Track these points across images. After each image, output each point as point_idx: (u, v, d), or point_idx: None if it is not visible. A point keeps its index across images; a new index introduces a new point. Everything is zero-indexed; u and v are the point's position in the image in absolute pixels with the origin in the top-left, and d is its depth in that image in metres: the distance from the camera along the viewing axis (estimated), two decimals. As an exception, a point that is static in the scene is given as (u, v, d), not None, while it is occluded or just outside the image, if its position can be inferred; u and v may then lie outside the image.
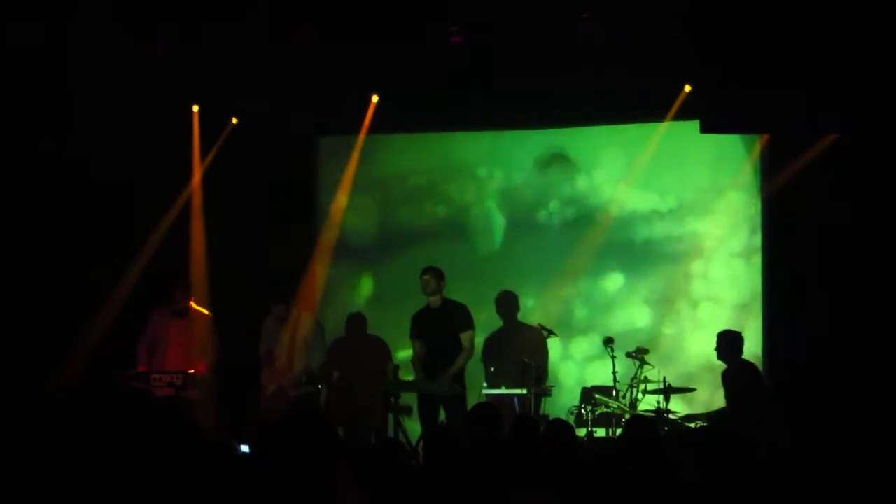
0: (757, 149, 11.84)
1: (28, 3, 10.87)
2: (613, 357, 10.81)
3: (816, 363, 10.95)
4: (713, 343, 10.77)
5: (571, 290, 12.31)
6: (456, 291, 11.30)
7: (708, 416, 10.61)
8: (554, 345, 11.56)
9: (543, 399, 11.08)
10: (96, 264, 11.79)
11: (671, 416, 10.48)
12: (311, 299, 12.55)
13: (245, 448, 5.51)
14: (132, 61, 11.36)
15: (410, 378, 11.29)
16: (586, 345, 12.08)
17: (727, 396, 10.64)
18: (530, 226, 12.57)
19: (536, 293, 12.23)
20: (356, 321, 12.30)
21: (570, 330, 12.17)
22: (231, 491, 4.76)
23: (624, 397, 10.71)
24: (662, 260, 12.12)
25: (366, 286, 12.91)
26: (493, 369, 11.08)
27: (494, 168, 12.72)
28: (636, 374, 10.76)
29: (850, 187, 11.04)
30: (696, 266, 11.98)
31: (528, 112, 12.16)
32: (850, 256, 11.04)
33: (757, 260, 11.85)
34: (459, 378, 10.90)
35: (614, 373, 10.77)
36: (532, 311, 12.00)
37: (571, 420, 10.31)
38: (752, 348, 11.12)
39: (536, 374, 10.79)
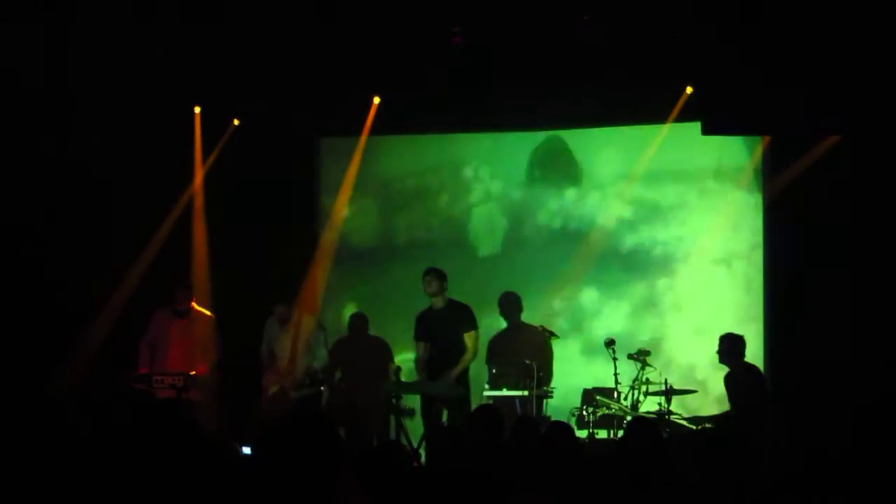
0: (759, 150, 11.83)
1: (28, 4, 10.87)
2: (615, 359, 10.80)
3: (817, 364, 10.94)
4: (713, 345, 10.77)
5: (573, 291, 12.30)
6: (457, 293, 11.29)
7: (712, 419, 10.60)
8: (555, 346, 11.54)
9: (546, 400, 11.08)
10: (98, 265, 11.80)
11: (672, 418, 10.48)
12: (313, 300, 12.55)
13: (246, 449, 5.51)
14: (133, 62, 11.35)
15: (413, 379, 11.27)
16: (588, 346, 12.06)
17: (730, 399, 10.63)
18: (532, 227, 12.56)
19: (538, 295, 12.21)
20: (358, 322, 12.30)
21: (571, 331, 12.15)
22: (232, 492, 4.76)
23: (625, 399, 10.70)
24: (664, 261, 12.12)
25: (367, 287, 12.89)
26: (494, 371, 11.07)
27: (496, 170, 12.72)
28: (637, 375, 10.75)
29: (852, 188, 11.04)
30: (698, 267, 11.96)
31: (529, 114, 12.16)
32: (851, 257, 11.04)
33: (758, 261, 11.84)
34: (462, 379, 10.90)
35: (616, 374, 10.76)
36: (534, 312, 11.98)
37: (573, 422, 10.30)
38: (754, 349, 11.10)
39: (538, 375, 10.78)
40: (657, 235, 12.16)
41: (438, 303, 11.10)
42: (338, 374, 12.14)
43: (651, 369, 10.75)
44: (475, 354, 11.08)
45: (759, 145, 11.82)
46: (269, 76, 11.73)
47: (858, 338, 10.89)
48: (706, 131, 10.53)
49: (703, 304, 11.92)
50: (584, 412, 10.67)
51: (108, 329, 11.91)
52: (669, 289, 12.05)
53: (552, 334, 11.41)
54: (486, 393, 10.96)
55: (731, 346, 10.63)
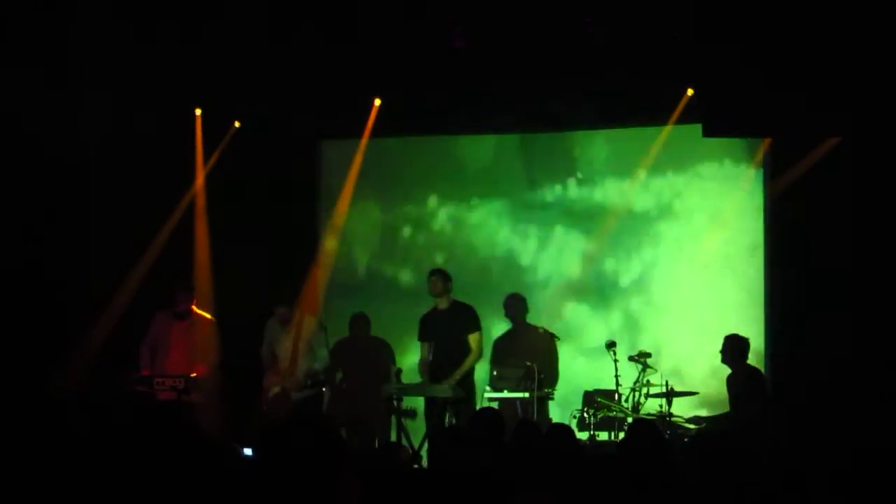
0: (759, 152, 11.83)
1: (29, 4, 10.88)
2: (616, 360, 10.80)
3: (818, 364, 10.94)
4: (715, 346, 10.78)
5: (575, 292, 12.30)
6: (458, 294, 11.30)
7: (713, 419, 10.61)
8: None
9: (548, 402, 11.10)
10: (99, 267, 11.80)
11: (674, 420, 10.48)
12: (314, 301, 12.55)
13: (248, 451, 5.51)
14: (134, 64, 11.36)
15: (416, 379, 11.28)
16: (590, 348, 12.06)
17: (731, 400, 10.63)
18: (533, 228, 12.56)
19: (541, 296, 12.21)
20: (359, 323, 12.30)
21: (571, 332, 12.16)
22: (233, 494, 4.76)
23: (626, 401, 10.70)
24: (665, 262, 12.12)
25: (368, 288, 12.89)
26: (495, 373, 11.08)
27: (497, 171, 12.72)
28: (638, 377, 10.75)
29: (852, 189, 11.04)
30: (699, 268, 11.96)
31: (530, 116, 12.16)
32: (852, 258, 11.04)
33: (759, 262, 11.84)
34: (466, 381, 10.90)
35: (616, 376, 10.77)
36: (534, 313, 11.98)
37: (574, 424, 10.31)
38: (754, 350, 11.08)
39: (539, 377, 10.79)
40: (658, 236, 12.16)
41: (442, 303, 11.12)
42: (339, 375, 12.15)
43: (652, 371, 10.76)
44: (480, 356, 11.09)
45: (759, 147, 11.82)
46: (269, 78, 11.73)
47: (859, 339, 10.89)
48: (707, 133, 10.54)
49: (704, 304, 11.91)
50: (585, 414, 10.68)
51: (109, 330, 11.92)
52: (670, 290, 12.05)
53: (553, 336, 11.41)
54: (488, 395, 10.96)
55: (733, 347, 10.63)
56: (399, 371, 11.19)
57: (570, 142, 12.55)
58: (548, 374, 11.21)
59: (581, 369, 12.03)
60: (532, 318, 11.75)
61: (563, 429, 7.35)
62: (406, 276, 12.74)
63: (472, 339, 11.02)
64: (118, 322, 11.94)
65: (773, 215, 11.73)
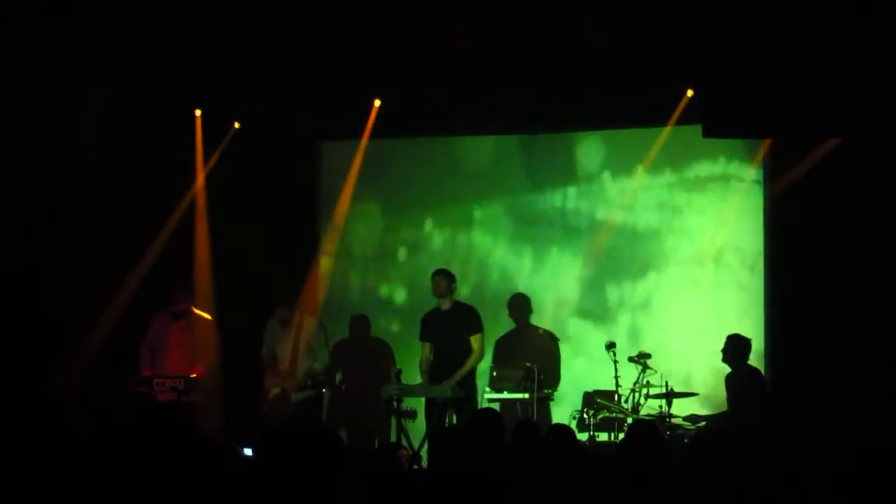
0: (760, 153, 11.83)
1: (29, 4, 10.88)
2: (615, 361, 10.81)
3: (818, 365, 10.94)
4: (714, 346, 10.78)
5: (576, 293, 12.30)
6: (461, 296, 11.30)
7: (709, 418, 10.62)
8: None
9: (549, 403, 11.10)
10: (99, 267, 11.80)
11: (673, 421, 10.49)
12: (314, 302, 12.56)
13: (248, 451, 5.51)
14: (134, 64, 11.36)
15: (417, 379, 11.29)
16: (590, 349, 12.05)
17: (729, 400, 10.64)
18: (534, 230, 12.56)
19: (542, 297, 12.20)
20: (359, 324, 12.31)
21: (574, 333, 12.15)
22: (232, 495, 4.76)
23: (626, 401, 10.70)
24: (666, 263, 12.11)
25: (368, 289, 12.89)
26: (495, 374, 11.08)
27: (497, 172, 12.71)
28: (638, 378, 10.76)
29: (852, 190, 11.04)
30: (699, 269, 11.96)
31: (530, 117, 12.16)
32: (852, 259, 11.04)
33: (759, 263, 11.84)
34: (466, 382, 10.90)
35: (616, 377, 10.77)
36: (536, 314, 11.99)
37: (574, 424, 10.31)
38: (754, 351, 11.07)
39: (539, 378, 10.79)
40: (658, 237, 12.16)
41: (445, 304, 11.13)
42: (339, 376, 12.16)
43: (652, 372, 10.76)
44: (481, 357, 11.10)
45: (759, 148, 11.82)
46: (269, 79, 11.73)
47: (858, 339, 10.89)
48: (707, 134, 10.53)
49: (704, 305, 11.91)
50: (585, 415, 10.68)
51: (109, 331, 11.92)
52: (670, 290, 12.05)
53: (554, 337, 11.42)
54: (487, 395, 10.97)
55: (734, 347, 10.65)
56: (399, 372, 11.19)
57: (570, 143, 12.54)
58: (549, 376, 11.23)
59: (580, 371, 12.03)
60: (535, 320, 11.76)
61: (564, 429, 7.36)
62: (407, 278, 12.73)
63: (474, 340, 11.03)
64: (118, 322, 11.94)
65: (773, 216, 11.73)
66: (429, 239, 12.79)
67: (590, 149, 12.51)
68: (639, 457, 6.33)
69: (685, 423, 10.54)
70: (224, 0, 11.13)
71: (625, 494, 5.71)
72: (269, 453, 4.62)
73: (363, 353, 12.20)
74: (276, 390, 11.34)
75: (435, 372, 11.03)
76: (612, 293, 12.26)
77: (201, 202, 12.52)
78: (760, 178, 11.89)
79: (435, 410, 10.84)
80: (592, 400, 10.86)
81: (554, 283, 12.33)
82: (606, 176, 12.42)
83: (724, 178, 12.03)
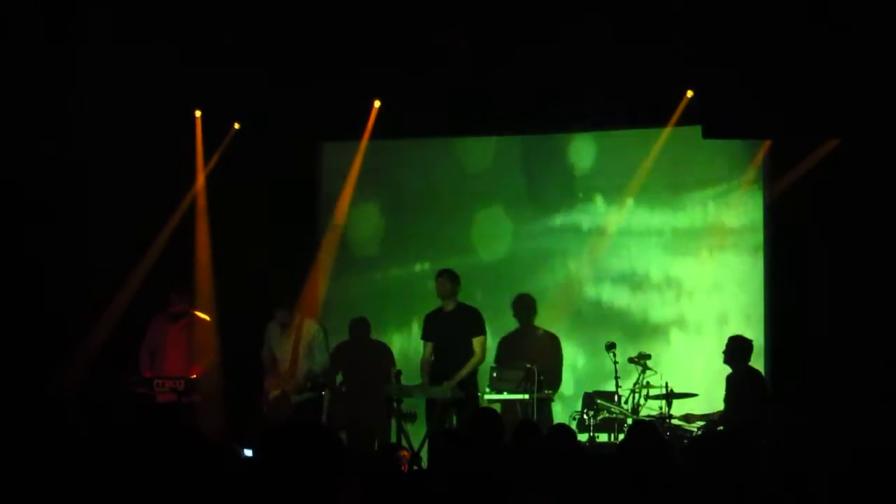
0: (759, 154, 11.83)
1: (29, 4, 10.88)
2: (615, 362, 10.81)
3: (818, 366, 10.94)
4: (714, 347, 10.78)
5: (577, 294, 12.30)
6: (462, 297, 11.31)
7: (707, 418, 10.63)
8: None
9: (550, 404, 11.10)
10: (99, 268, 11.80)
11: (673, 421, 10.50)
12: (314, 304, 12.56)
13: (248, 452, 5.51)
14: (134, 65, 11.36)
15: (417, 378, 11.28)
16: (591, 350, 12.05)
17: (729, 400, 10.65)
18: (534, 231, 12.56)
19: (540, 298, 12.20)
20: (360, 326, 12.32)
21: (575, 334, 12.15)
22: (232, 496, 4.76)
23: (626, 402, 10.71)
24: (666, 264, 12.11)
25: (369, 291, 12.89)
26: (495, 374, 11.08)
27: (498, 174, 12.71)
28: (638, 379, 10.77)
29: (852, 191, 11.04)
30: (699, 269, 11.96)
31: (530, 118, 12.16)
32: (852, 260, 11.04)
33: (759, 264, 11.84)
34: (466, 383, 10.90)
35: (616, 378, 10.77)
36: (539, 315, 12.00)
37: (574, 425, 10.31)
38: (754, 352, 11.09)
39: (539, 379, 10.80)
40: (658, 238, 12.15)
41: (449, 305, 11.14)
42: (339, 378, 12.16)
43: (651, 373, 10.77)
44: (482, 360, 11.10)
45: (759, 149, 11.82)
46: (269, 80, 11.73)
47: (858, 339, 10.89)
48: (707, 135, 10.54)
49: (704, 306, 11.91)
50: (585, 416, 10.69)
51: (109, 332, 11.92)
52: (670, 291, 12.04)
53: (555, 337, 11.44)
54: (488, 396, 10.98)
55: (735, 348, 10.67)
56: (399, 373, 11.20)
57: (570, 144, 12.54)
58: (551, 377, 11.23)
59: (580, 372, 12.03)
60: (536, 320, 11.78)
61: (564, 429, 7.36)
62: (408, 279, 12.73)
63: (476, 342, 11.03)
64: (118, 322, 11.94)
65: (773, 217, 11.73)
66: (429, 240, 12.77)
67: (590, 150, 12.51)
68: (639, 457, 6.33)
69: (681, 422, 10.55)
70: (224, 0, 11.13)
71: (625, 495, 5.71)
72: (269, 454, 4.62)
73: (363, 354, 12.21)
74: (276, 392, 11.34)
75: (435, 372, 11.03)
76: (613, 294, 12.25)
77: (201, 203, 12.52)
78: (760, 178, 11.89)
79: (435, 411, 10.84)
80: (592, 401, 10.86)
81: (554, 283, 12.32)
82: (606, 177, 12.42)
83: (724, 179, 12.03)
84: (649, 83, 11.31)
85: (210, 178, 12.57)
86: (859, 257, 11.03)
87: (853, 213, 11.04)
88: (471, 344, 11.00)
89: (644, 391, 10.71)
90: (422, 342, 11.34)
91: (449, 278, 11.15)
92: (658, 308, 12.10)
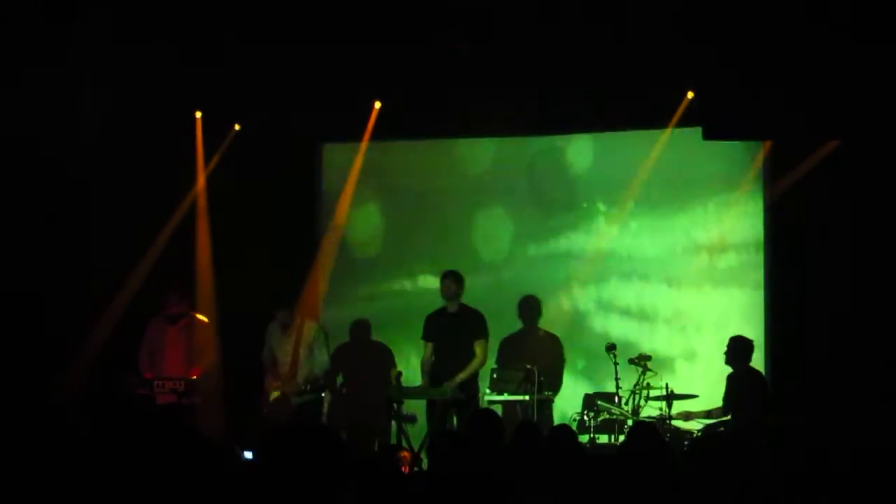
0: (760, 155, 11.83)
1: (30, 4, 10.89)
2: (616, 364, 10.81)
3: (818, 367, 10.95)
4: (715, 347, 10.79)
5: (577, 296, 12.30)
6: (462, 298, 11.31)
7: (703, 414, 10.66)
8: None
9: (551, 405, 11.10)
10: (99, 270, 11.81)
11: (674, 423, 10.51)
12: (315, 306, 12.56)
13: (248, 454, 5.52)
14: (135, 66, 11.37)
15: (417, 379, 11.29)
16: (591, 351, 12.05)
17: (728, 399, 10.67)
18: (536, 232, 12.56)
19: (543, 299, 12.19)
20: (360, 327, 12.33)
21: (575, 336, 12.15)
22: (233, 497, 4.77)
23: (626, 404, 10.71)
24: (667, 264, 12.11)
25: (369, 292, 12.89)
26: (495, 375, 11.08)
27: (498, 175, 12.71)
28: (638, 380, 10.77)
29: (852, 193, 11.05)
30: (700, 270, 11.96)
31: (531, 119, 12.16)
32: (852, 261, 11.05)
33: (759, 266, 11.83)
34: (467, 383, 10.90)
35: (617, 379, 10.78)
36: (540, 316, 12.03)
37: (574, 427, 10.31)
38: (755, 352, 11.09)
39: (539, 380, 10.80)
40: (658, 240, 12.16)
41: (452, 306, 11.13)
42: (339, 380, 12.17)
43: (652, 374, 10.77)
44: (483, 363, 11.10)
45: (760, 150, 11.83)
46: (270, 81, 11.74)
47: (859, 340, 10.90)
48: (707, 136, 10.54)
49: (704, 307, 11.91)
50: (586, 417, 10.70)
51: (110, 333, 11.93)
52: (670, 292, 12.04)
53: (556, 339, 11.45)
54: (488, 397, 10.98)
55: (736, 349, 10.67)
56: (399, 374, 11.20)
57: (571, 145, 12.54)
58: (550, 378, 11.23)
59: (580, 373, 12.03)
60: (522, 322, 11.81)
61: (565, 430, 7.36)
62: (407, 281, 12.72)
63: (479, 345, 11.03)
64: (119, 324, 11.94)
65: (774, 218, 11.73)
66: (429, 241, 12.77)
67: (590, 151, 12.51)
68: (639, 458, 6.34)
69: (678, 419, 10.55)
70: (225, 1, 11.13)
71: (625, 496, 5.71)
72: (270, 456, 4.62)
73: (363, 356, 12.22)
74: (276, 393, 11.34)
75: (435, 373, 11.02)
76: (613, 295, 12.25)
77: (202, 204, 12.52)
78: (761, 180, 11.89)
79: (436, 412, 10.84)
80: (593, 402, 10.86)
81: (555, 284, 12.32)
82: (607, 178, 12.42)
83: (725, 180, 12.02)
84: (650, 84, 11.32)
85: (210, 179, 12.57)
86: (859, 258, 11.04)
87: (853, 213, 11.05)
88: (472, 347, 11.00)
89: (644, 392, 10.72)
90: (422, 342, 11.32)
91: (455, 280, 11.14)
92: (658, 309, 12.09)
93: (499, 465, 6.49)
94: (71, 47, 11.26)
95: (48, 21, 11.00)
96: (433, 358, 11.12)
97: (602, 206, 12.40)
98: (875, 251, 11.02)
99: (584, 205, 12.47)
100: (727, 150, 11.90)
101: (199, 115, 12.51)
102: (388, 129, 12.45)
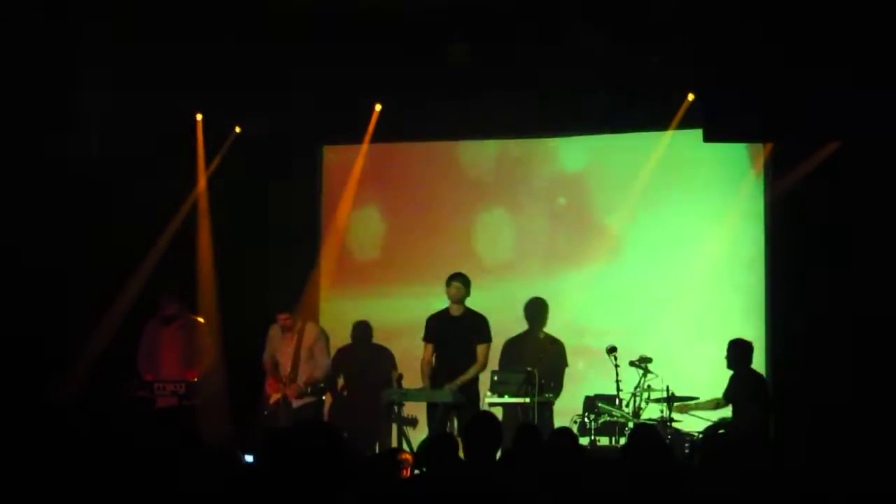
0: (760, 157, 11.83)
1: (30, 4, 10.89)
2: (616, 366, 10.82)
3: (819, 368, 10.95)
4: (716, 349, 10.79)
5: (578, 297, 12.29)
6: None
7: (701, 405, 10.69)
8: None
9: (552, 408, 11.10)
10: (100, 271, 11.80)
11: (675, 425, 10.51)
12: (316, 308, 12.56)
13: (249, 458, 5.51)
14: (135, 67, 11.37)
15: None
16: (589, 353, 12.04)
17: (728, 395, 10.67)
18: (536, 234, 12.55)
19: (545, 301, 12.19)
20: (361, 330, 12.33)
21: (576, 338, 12.15)
22: (233, 499, 4.77)
23: (627, 406, 10.71)
24: (666, 267, 12.10)
25: (370, 294, 12.88)
26: (496, 378, 11.08)
27: (499, 176, 12.71)
28: (639, 382, 10.77)
29: (853, 194, 11.04)
30: (701, 272, 11.95)
31: (531, 121, 12.16)
32: (852, 263, 11.05)
33: (760, 267, 11.83)
34: (468, 386, 10.89)
35: (617, 381, 10.77)
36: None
37: (575, 429, 10.32)
38: (756, 354, 11.08)
39: (540, 382, 10.79)
40: (658, 241, 12.15)
41: (457, 309, 11.11)
42: (340, 382, 12.17)
43: (653, 376, 10.78)
44: (484, 367, 11.09)
45: (760, 152, 11.83)
46: (270, 83, 11.74)
47: (859, 344, 10.90)
48: (708, 138, 10.54)
49: (705, 310, 11.90)
50: (586, 419, 10.70)
51: (110, 336, 11.93)
52: (671, 295, 12.03)
53: (557, 341, 11.46)
54: (489, 400, 10.98)
55: (736, 352, 10.68)
56: (400, 376, 11.19)
57: (572, 147, 12.54)
58: (553, 381, 11.23)
59: (580, 375, 12.03)
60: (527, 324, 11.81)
61: (565, 433, 7.35)
62: (409, 282, 12.71)
63: (481, 349, 11.02)
64: (119, 327, 11.94)
65: (774, 221, 11.73)
66: (430, 244, 12.77)
67: (591, 153, 12.51)
68: (640, 460, 6.33)
69: (677, 410, 10.56)
70: (226, 3, 11.14)
71: (626, 498, 5.71)
72: (270, 458, 4.62)
73: (364, 358, 12.22)
74: (276, 396, 11.34)
75: (436, 376, 11.01)
76: (613, 296, 12.25)
77: (203, 206, 12.52)
78: (761, 182, 11.89)
79: (436, 415, 10.83)
80: (593, 404, 10.86)
81: (555, 286, 12.31)
82: (607, 180, 12.42)
83: (725, 183, 12.02)
84: (650, 87, 11.32)
85: (211, 182, 12.57)
86: (860, 259, 11.04)
87: (854, 215, 11.04)
88: (475, 350, 10.99)
89: (645, 394, 10.72)
90: (423, 343, 11.30)
91: (464, 282, 11.11)
92: (658, 311, 12.08)
93: (496, 468, 6.49)
94: (71, 47, 11.25)
95: (48, 21, 10.99)
96: (434, 360, 11.11)
97: (603, 207, 12.40)
98: (875, 252, 11.01)
99: (585, 206, 12.46)
100: (728, 152, 11.91)
101: (199, 117, 12.50)
102: (389, 131, 12.45)
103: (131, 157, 11.71)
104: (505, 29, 11.19)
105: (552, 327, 11.95)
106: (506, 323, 11.84)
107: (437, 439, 6.93)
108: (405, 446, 10.54)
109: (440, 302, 11.29)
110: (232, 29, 11.22)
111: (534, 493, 5.74)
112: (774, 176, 11.73)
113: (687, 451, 9.90)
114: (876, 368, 10.78)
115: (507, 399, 10.95)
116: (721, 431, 10.50)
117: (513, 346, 11.74)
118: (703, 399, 10.94)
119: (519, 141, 12.66)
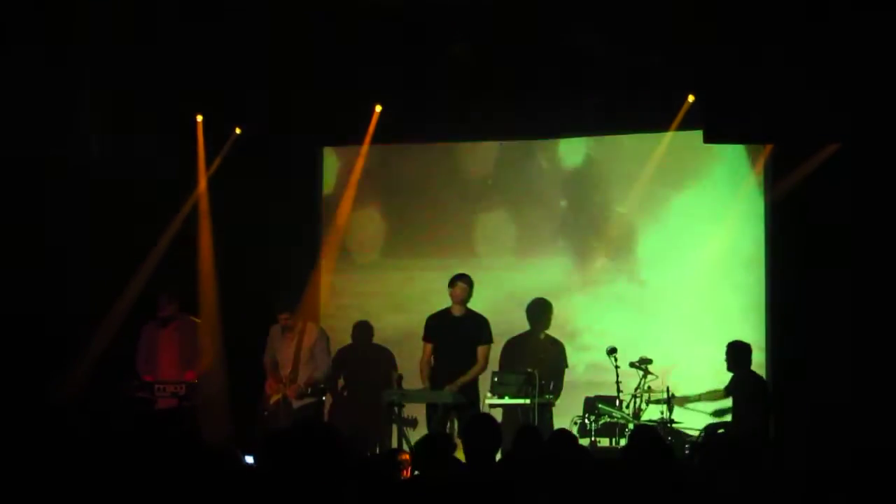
0: (761, 158, 11.83)
1: (30, 4, 10.89)
2: (617, 367, 10.82)
3: (818, 368, 10.95)
4: (716, 350, 10.79)
5: (578, 298, 12.30)
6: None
7: (700, 398, 10.70)
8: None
9: (552, 409, 11.10)
10: (100, 272, 11.81)
11: (675, 426, 10.52)
12: (316, 308, 12.56)
13: (249, 458, 5.51)
14: (136, 68, 11.37)
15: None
16: (589, 354, 12.05)
17: (732, 404, 10.68)
18: (537, 235, 12.55)
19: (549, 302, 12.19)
20: (362, 330, 12.33)
21: (576, 338, 12.15)
22: (233, 500, 4.77)
23: (627, 407, 10.71)
24: (666, 268, 12.10)
25: (371, 295, 12.88)
26: (496, 379, 11.07)
27: (499, 178, 12.71)
28: (640, 383, 10.78)
29: (853, 196, 11.05)
30: (700, 274, 11.95)
31: (531, 123, 12.16)
32: (852, 264, 11.05)
33: (760, 268, 11.83)
34: (468, 387, 10.89)
35: (618, 382, 10.77)
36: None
37: (575, 430, 10.32)
38: (755, 355, 11.09)
39: (540, 383, 10.79)
40: (659, 243, 12.15)
41: (459, 310, 11.09)
42: (340, 383, 12.17)
43: (653, 377, 10.78)
44: (484, 369, 11.08)
45: (760, 153, 11.83)
46: (271, 84, 11.74)
47: (859, 344, 10.90)
48: (708, 139, 10.54)
49: (705, 311, 11.90)
50: (587, 420, 10.70)
51: (110, 337, 11.93)
52: (671, 296, 12.03)
53: (557, 342, 11.45)
54: (489, 401, 10.98)
55: (735, 354, 10.69)
56: (400, 377, 11.19)
57: (572, 148, 12.54)
58: (553, 382, 11.23)
59: (581, 376, 12.03)
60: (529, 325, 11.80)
61: (566, 434, 7.35)
62: (408, 284, 12.71)
63: (481, 350, 11.01)
64: (119, 328, 11.95)
65: (774, 221, 11.73)
66: (430, 244, 12.77)
67: (591, 154, 12.52)
68: (641, 462, 6.33)
69: (677, 403, 10.57)
70: (226, 4, 11.14)
71: (627, 499, 5.71)
72: (270, 458, 4.62)
73: (364, 359, 12.22)
74: (277, 397, 11.34)
75: (436, 376, 11.01)
76: (614, 297, 12.25)
77: (203, 207, 12.52)
78: (761, 183, 11.89)
79: (436, 415, 10.82)
80: (594, 405, 10.86)
81: (556, 287, 12.31)
82: (608, 181, 12.42)
83: (725, 184, 12.02)
84: (650, 87, 11.32)
85: (212, 183, 12.57)
86: (860, 259, 11.04)
87: (854, 215, 11.05)
88: (475, 351, 10.99)
89: (645, 396, 10.72)
90: (422, 343, 11.29)
91: (468, 283, 11.09)
92: (658, 312, 12.08)
93: (496, 469, 6.49)
94: (71, 47, 11.25)
95: (48, 21, 10.99)
96: (433, 360, 11.10)
97: (603, 208, 12.40)
98: (875, 253, 11.01)
99: (586, 207, 12.46)
100: (728, 153, 11.91)
101: (200, 118, 12.50)
102: (389, 133, 12.45)
103: (131, 157, 11.70)
104: (505, 29, 11.18)
105: (553, 327, 11.94)
106: (505, 324, 11.84)
107: (431, 439, 6.92)
108: (405, 447, 10.54)
109: (441, 302, 11.29)
110: (232, 29, 11.21)
111: (534, 493, 5.74)
112: (774, 176, 11.73)
113: (687, 451, 9.89)
114: (876, 368, 10.78)
115: (507, 400, 10.94)
116: (721, 431, 10.51)
117: (513, 346, 11.73)
118: (704, 391, 10.96)
119: (519, 141, 12.65)
